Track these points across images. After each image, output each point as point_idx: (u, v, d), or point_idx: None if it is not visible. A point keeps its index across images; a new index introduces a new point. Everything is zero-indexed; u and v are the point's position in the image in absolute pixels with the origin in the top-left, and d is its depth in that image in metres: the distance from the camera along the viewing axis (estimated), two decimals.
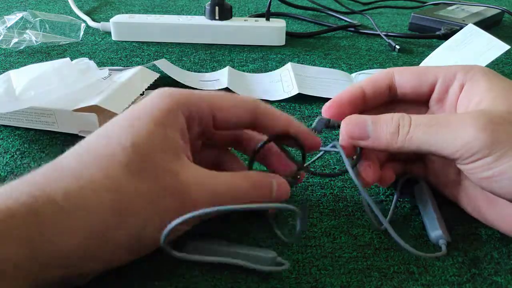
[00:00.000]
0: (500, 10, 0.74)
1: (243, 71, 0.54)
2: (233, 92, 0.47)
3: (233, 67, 0.54)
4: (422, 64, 0.53)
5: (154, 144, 0.23)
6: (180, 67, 0.54)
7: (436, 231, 0.28)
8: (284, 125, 0.28)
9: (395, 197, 0.32)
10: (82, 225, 0.21)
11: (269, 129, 0.28)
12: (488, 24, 0.71)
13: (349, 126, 0.28)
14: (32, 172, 0.22)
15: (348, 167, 0.28)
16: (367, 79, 0.31)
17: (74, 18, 0.64)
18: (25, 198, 0.20)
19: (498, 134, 0.24)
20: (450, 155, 0.25)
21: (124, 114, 0.25)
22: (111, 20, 0.63)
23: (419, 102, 0.31)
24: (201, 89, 0.47)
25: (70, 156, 0.23)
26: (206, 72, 0.53)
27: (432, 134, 0.25)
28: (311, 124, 0.42)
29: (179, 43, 0.63)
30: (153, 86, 0.46)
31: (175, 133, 0.24)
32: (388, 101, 0.31)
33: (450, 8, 0.75)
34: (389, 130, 0.26)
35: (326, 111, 0.30)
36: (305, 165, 0.30)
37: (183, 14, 0.76)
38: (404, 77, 0.30)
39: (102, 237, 0.21)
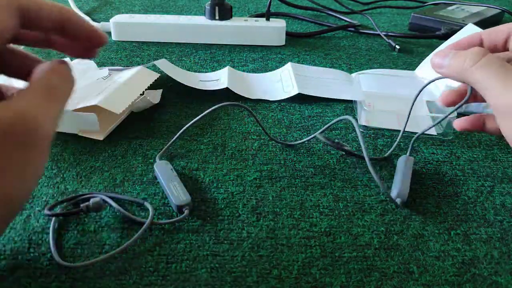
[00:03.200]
0: (500, 10, 0.74)
1: (243, 71, 0.54)
2: (233, 92, 0.47)
3: (233, 67, 0.54)
4: (421, 64, 0.53)
5: None
6: (180, 67, 0.54)
7: (397, 190, 0.32)
8: (58, 20, 0.25)
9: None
10: None
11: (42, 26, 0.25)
12: (488, 24, 0.71)
13: (434, 56, 0.30)
14: None
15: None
16: (488, 29, 0.31)
17: None
18: None
19: None
20: (491, 105, 0.26)
21: None
22: (111, 20, 0.63)
23: None
24: (201, 89, 0.47)
25: None
26: (206, 72, 0.53)
27: (487, 80, 0.26)
28: (311, 124, 0.42)
29: (179, 43, 0.63)
30: (153, 86, 0.46)
31: None
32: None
33: (450, 8, 0.75)
34: (461, 62, 0.28)
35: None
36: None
37: (183, 14, 0.76)
38: None
39: None
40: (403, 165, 0.35)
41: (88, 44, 0.27)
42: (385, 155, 0.37)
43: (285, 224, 0.30)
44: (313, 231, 0.30)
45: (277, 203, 0.32)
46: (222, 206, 0.31)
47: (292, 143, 0.39)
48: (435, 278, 0.26)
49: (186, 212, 0.30)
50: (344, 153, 0.38)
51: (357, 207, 0.32)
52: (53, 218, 0.29)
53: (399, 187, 0.32)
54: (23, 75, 0.27)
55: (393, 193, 0.32)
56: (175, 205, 0.30)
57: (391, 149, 0.38)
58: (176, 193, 0.31)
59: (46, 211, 0.29)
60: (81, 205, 0.29)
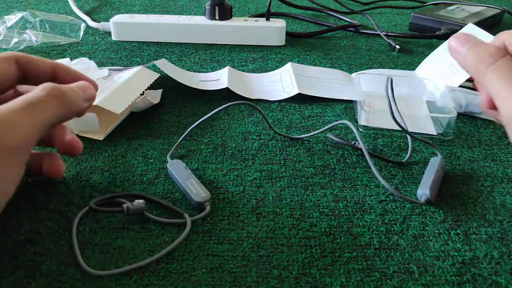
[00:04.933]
0: (500, 10, 0.74)
1: (243, 71, 0.54)
2: (233, 92, 0.47)
3: (233, 67, 0.54)
4: (421, 64, 0.53)
5: None
6: (180, 67, 0.54)
7: (422, 189, 0.32)
8: (51, 69, 0.29)
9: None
10: None
11: (37, 74, 0.29)
12: (488, 24, 0.71)
13: (453, 40, 0.29)
14: None
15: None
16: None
17: (74, 18, 0.64)
18: None
19: None
20: (501, 115, 0.25)
21: None
22: (111, 20, 0.63)
23: None
24: (201, 89, 0.47)
25: None
26: (206, 72, 0.53)
27: (499, 86, 0.25)
28: (311, 124, 0.42)
29: (179, 43, 0.63)
30: (153, 86, 0.46)
31: None
32: None
33: (450, 8, 0.75)
34: (476, 59, 0.26)
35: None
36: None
37: (183, 14, 0.76)
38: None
39: None
40: (431, 166, 0.35)
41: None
42: (403, 160, 0.37)
43: (285, 224, 0.30)
44: (313, 231, 0.29)
45: (277, 203, 0.32)
46: (222, 206, 0.31)
47: (298, 136, 0.39)
48: (435, 278, 0.26)
49: (208, 208, 0.30)
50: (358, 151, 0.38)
51: (357, 207, 0.32)
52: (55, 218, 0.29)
53: (426, 186, 0.32)
54: None
55: (420, 191, 0.32)
56: (196, 202, 0.30)
57: (408, 155, 0.37)
58: (195, 190, 0.31)
59: (91, 205, 0.30)
60: (124, 205, 0.29)
